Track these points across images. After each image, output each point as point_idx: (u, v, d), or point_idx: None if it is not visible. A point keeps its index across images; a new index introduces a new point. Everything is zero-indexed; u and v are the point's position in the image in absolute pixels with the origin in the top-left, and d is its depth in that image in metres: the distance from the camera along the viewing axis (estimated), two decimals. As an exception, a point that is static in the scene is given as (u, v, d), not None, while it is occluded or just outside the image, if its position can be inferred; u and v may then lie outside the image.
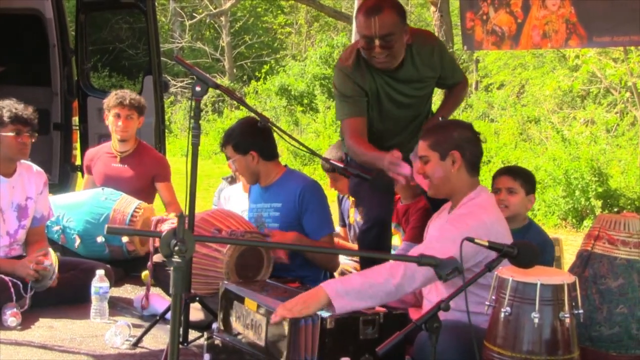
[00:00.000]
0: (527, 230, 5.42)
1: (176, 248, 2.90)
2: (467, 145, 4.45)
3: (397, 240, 6.22)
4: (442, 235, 4.24)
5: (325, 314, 4.15)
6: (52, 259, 5.80)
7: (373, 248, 5.58)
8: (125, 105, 7.20)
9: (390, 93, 5.33)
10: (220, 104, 27.38)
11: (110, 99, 7.29)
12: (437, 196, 4.68)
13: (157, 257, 5.91)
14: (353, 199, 6.85)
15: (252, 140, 5.77)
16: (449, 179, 4.48)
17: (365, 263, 5.71)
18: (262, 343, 4.30)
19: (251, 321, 4.39)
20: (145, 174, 7.31)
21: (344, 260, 6.53)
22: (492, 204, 4.51)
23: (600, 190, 13.17)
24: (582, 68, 15.94)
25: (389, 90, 5.31)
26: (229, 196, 7.31)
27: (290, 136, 5.18)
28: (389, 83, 5.29)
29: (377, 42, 5.01)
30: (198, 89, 4.70)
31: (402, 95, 5.35)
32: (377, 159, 4.98)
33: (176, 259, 2.90)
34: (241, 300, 4.52)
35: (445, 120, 4.79)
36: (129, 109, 7.23)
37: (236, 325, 4.55)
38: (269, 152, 5.88)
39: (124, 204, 6.79)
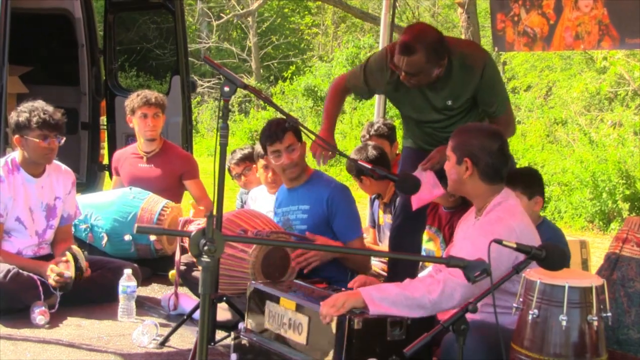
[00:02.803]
0: (539, 228, 5.31)
1: (205, 248, 2.90)
2: (483, 155, 4.38)
3: (432, 245, 6.19)
4: (475, 248, 4.19)
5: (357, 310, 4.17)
6: (72, 267, 5.80)
7: (396, 238, 5.63)
8: (152, 104, 7.22)
9: (419, 97, 5.32)
10: (246, 104, 27.42)
11: (134, 101, 7.29)
12: (454, 192, 4.74)
13: (185, 258, 5.93)
14: (382, 200, 6.85)
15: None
16: (462, 183, 4.47)
17: (392, 262, 5.75)
18: (303, 342, 4.32)
19: (289, 320, 4.41)
20: (172, 172, 7.33)
21: (373, 262, 6.52)
22: (520, 209, 4.44)
23: (627, 192, 13.10)
24: (610, 70, 15.85)
25: (421, 94, 5.30)
26: (255, 197, 7.32)
27: (318, 137, 5.19)
28: (423, 90, 5.27)
29: (403, 72, 5.06)
30: (226, 89, 4.67)
31: (434, 104, 5.32)
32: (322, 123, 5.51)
33: (205, 258, 2.91)
34: (275, 299, 4.53)
35: (476, 125, 4.72)
36: (155, 107, 7.25)
37: (269, 324, 4.56)
38: None
39: (152, 203, 6.82)
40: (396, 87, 5.36)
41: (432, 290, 4.15)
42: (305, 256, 5.56)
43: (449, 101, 5.25)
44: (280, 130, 5.76)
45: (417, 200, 5.30)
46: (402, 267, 5.43)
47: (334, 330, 4.13)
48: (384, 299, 4.18)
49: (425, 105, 5.36)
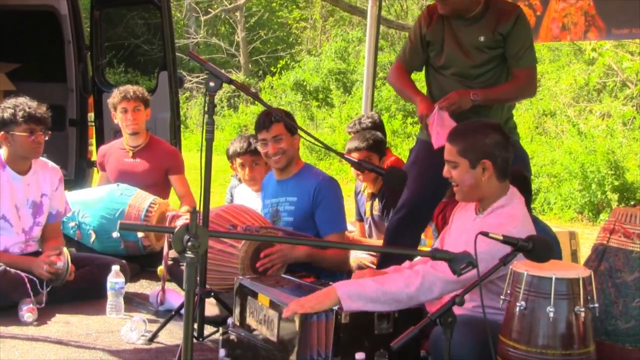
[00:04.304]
0: None
1: (189, 244, 2.90)
2: (498, 151, 4.31)
3: (423, 235, 6.17)
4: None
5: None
6: (65, 258, 5.80)
7: (395, 231, 5.59)
8: (130, 98, 7.26)
9: (454, 37, 5.46)
10: (235, 99, 27.36)
11: (114, 97, 7.37)
12: (466, 201, 4.58)
13: (173, 253, 5.91)
14: (368, 192, 6.84)
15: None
16: (479, 186, 4.36)
17: (384, 255, 5.71)
18: (274, 338, 4.31)
19: (264, 317, 4.40)
20: (158, 167, 7.34)
21: (362, 254, 6.52)
22: (523, 213, 4.39)
23: (616, 183, 13.14)
24: (599, 61, 15.86)
25: (455, 33, 5.46)
26: (240, 194, 7.32)
27: (305, 132, 5.19)
28: (458, 27, 5.44)
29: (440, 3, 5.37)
30: (212, 84, 4.68)
31: (467, 45, 5.44)
32: (411, 98, 5.56)
33: (189, 254, 2.90)
34: (255, 295, 4.53)
35: (474, 122, 4.56)
36: (135, 101, 7.29)
37: (250, 320, 4.56)
38: None
39: (139, 200, 6.80)
40: (431, 36, 5.56)
41: (410, 284, 4.14)
42: (270, 257, 5.51)
43: (482, 37, 5.39)
44: (269, 120, 5.79)
45: (437, 140, 5.15)
46: (394, 261, 5.37)
47: (297, 327, 4.12)
48: (361, 295, 4.14)
49: (457, 45, 5.47)
